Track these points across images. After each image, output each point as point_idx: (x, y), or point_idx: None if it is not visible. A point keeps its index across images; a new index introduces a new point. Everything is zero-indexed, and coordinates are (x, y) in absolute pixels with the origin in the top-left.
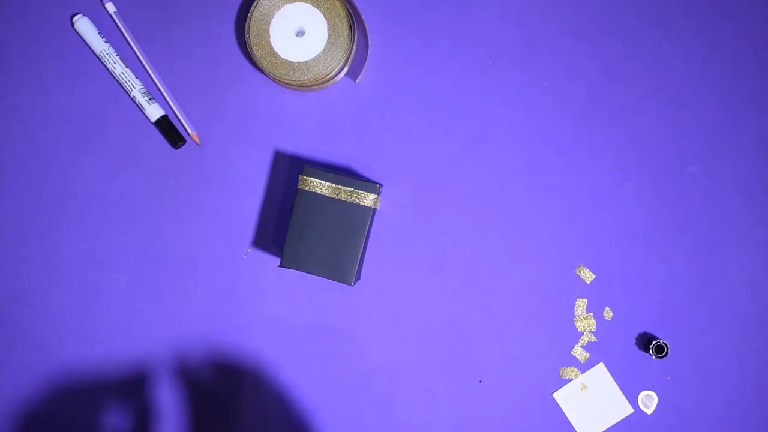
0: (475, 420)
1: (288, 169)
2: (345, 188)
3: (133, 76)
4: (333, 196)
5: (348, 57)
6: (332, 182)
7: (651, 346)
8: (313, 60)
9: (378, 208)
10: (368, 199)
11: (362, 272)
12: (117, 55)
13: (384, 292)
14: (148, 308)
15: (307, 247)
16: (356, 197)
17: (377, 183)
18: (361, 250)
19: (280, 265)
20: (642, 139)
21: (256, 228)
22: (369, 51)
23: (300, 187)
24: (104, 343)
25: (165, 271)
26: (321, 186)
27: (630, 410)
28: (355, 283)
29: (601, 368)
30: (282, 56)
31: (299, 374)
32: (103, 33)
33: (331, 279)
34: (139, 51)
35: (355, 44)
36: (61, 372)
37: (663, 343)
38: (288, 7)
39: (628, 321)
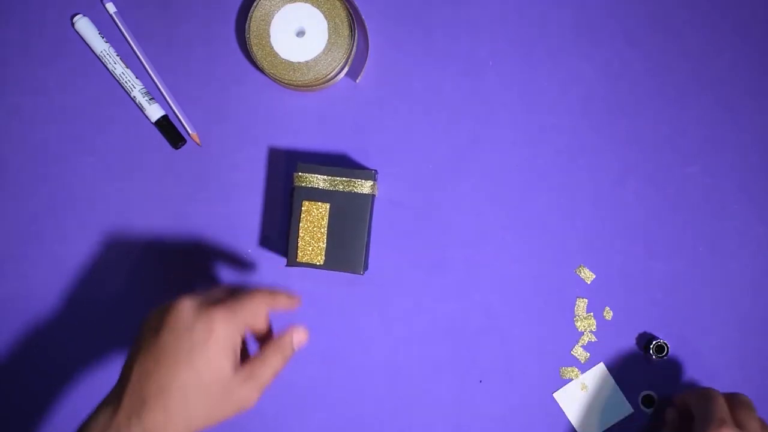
0: (475, 420)
1: (289, 169)
2: (341, 179)
3: (133, 76)
4: (330, 189)
5: (348, 57)
6: (327, 174)
7: (651, 346)
8: (313, 60)
9: (376, 194)
10: (366, 187)
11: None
12: (117, 55)
13: (383, 293)
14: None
15: None
16: (353, 186)
17: (372, 169)
18: (366, 238)
19: (286, 265)
20: (642, 139)
21: (259, 227)
22: (369, 51)
23: (296, 184)
24: (104, 344)
25: (166, 272)
26: (317, 180)
27: (630, 410)
28: (364, 272)
29: (601, 368)
30: (282, 56)
31: (299, 373)
32: (103, 33)
33: (341, 270)
34: (139, 51)
35: (355, 44)
36: (61, 371)
37: (663, 343)
38: (288, 7)
39: (628, 321)
